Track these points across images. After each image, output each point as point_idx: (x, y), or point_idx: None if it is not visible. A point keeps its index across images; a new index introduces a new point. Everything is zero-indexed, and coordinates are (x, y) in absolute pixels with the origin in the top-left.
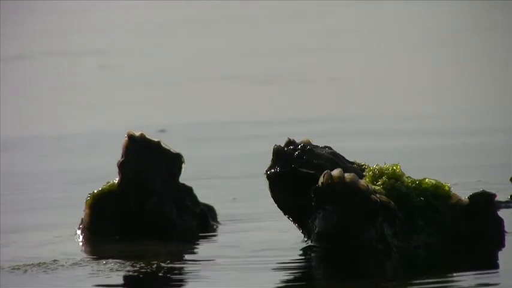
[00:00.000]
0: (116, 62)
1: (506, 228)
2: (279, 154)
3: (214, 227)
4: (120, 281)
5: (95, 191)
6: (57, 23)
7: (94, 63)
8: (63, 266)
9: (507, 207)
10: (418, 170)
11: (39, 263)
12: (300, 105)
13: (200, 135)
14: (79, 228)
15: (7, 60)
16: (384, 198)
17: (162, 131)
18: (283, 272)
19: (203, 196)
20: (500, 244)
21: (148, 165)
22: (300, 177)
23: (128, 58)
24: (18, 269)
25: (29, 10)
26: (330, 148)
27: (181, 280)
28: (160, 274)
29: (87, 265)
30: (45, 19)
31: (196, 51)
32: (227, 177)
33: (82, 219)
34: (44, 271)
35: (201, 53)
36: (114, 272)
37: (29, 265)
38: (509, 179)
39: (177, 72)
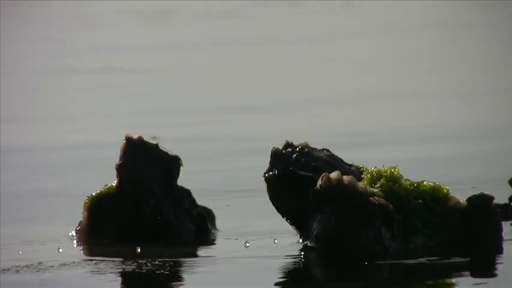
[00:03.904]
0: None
1: (504, 230)
2: (277, 156)
3: (213, 229)
4: (118, 283)
5: (93, 194)
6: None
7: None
8: (61, 268)
9: (505, 208)
10: (417, 172)
11: (38, 263)
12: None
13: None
14: (76, 231)
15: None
16: (382, 200)
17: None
18: (283, 273)
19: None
20: (499, 245)
21: (146, 167)
22: (298, 179)
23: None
24: (18, 270)
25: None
26: (328, 151)
27: (180, 281)
28: (158, 276)
29: (85, 267)
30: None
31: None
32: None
33: (80, 222)
34: (42, 273)
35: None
36: (113, 274)
37: (27, 266)
38: (507, 181)
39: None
